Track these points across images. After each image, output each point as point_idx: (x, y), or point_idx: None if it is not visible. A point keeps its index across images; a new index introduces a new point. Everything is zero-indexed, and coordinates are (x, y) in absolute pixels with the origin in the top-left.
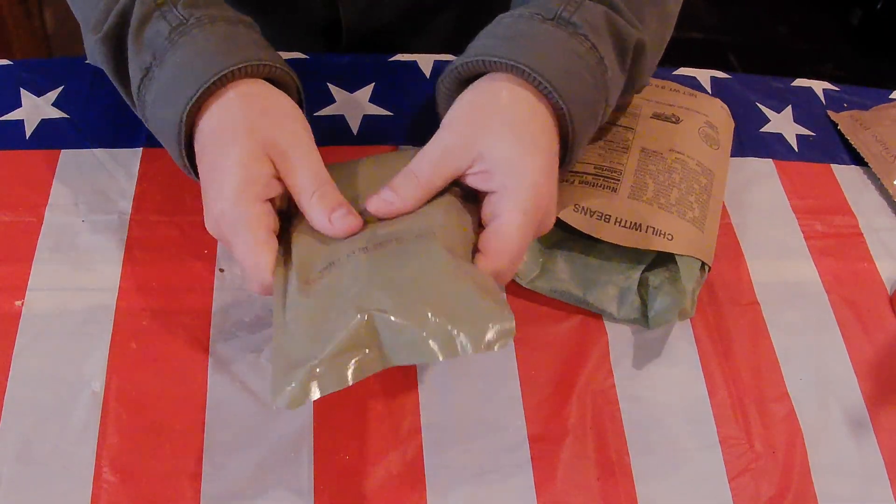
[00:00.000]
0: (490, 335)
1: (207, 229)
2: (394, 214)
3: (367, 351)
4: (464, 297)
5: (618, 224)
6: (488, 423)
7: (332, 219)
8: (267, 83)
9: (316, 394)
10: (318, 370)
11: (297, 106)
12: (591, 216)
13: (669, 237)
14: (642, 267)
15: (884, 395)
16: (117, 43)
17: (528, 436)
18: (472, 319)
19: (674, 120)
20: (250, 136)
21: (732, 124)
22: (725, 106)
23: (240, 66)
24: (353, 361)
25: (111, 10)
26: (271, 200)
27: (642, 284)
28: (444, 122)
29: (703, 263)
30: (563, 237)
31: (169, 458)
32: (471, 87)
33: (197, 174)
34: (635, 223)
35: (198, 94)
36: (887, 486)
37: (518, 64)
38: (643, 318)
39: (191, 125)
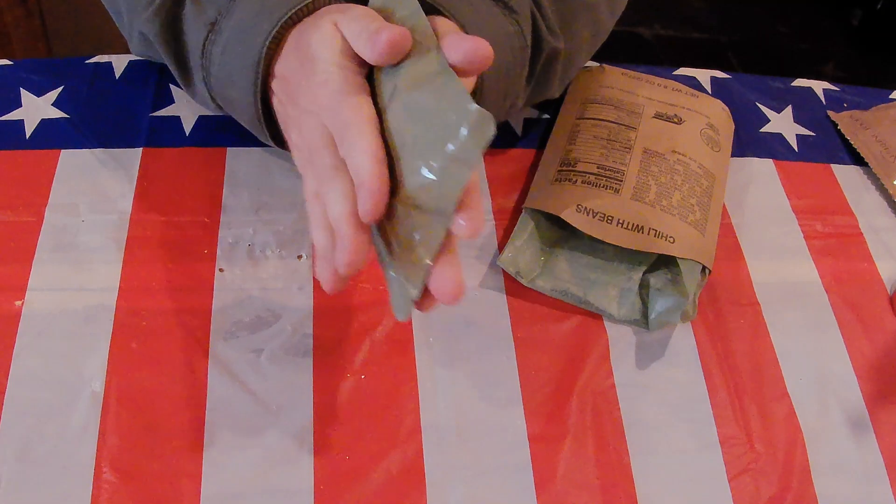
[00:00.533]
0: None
1: (299, 166)
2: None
3: None
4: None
5: (620, 226)
6: (488, 423)
7: (374, 39)
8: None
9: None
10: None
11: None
12: (593, 217)
13: (671, 240)
14: (643, 268)
15: (884, 395)
16: (172, 14)
17: (528, 436)
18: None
19: (676, 120)
20: (320, 31)
21: (732, 126)
22: (726, 107)
23: (294, 9)
24: None
25: None
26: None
27: (643, 286)
28: None
29: (704, 267)
30: (564, 236)
31: (169, 458)
32: None
33: (269, 127)
34: (637, 225)
35: (278, 26)
36: (887, 486)
37: (440, 7)
38: (643, 320)
39: (266, 73)
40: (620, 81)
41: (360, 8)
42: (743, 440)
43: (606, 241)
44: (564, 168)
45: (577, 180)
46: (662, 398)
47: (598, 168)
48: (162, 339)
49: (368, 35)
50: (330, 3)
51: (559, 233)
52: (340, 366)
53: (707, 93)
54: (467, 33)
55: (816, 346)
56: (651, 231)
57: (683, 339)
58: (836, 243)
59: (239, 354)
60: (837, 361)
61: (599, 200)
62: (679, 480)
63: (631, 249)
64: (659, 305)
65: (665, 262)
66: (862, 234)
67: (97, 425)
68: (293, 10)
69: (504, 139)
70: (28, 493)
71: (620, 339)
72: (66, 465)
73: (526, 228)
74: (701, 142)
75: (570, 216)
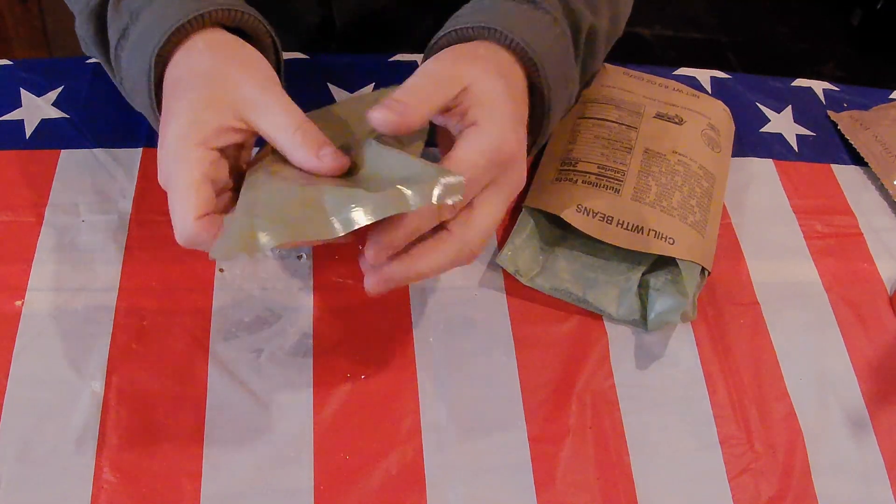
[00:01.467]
0: (437, 191)
1: (160, 183)
2: (395, 124)
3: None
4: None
5: (620, 226)
6: (488, 423)
7: (321, 155)
8: (236, 37)
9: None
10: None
11: (264, 59)
12: (593, 217)
13: (671, 241)
14: (643, 268)
15: (884, 395)
16: (100, 18)
17: (528, 436)
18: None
19: (677, 121)
20: (209, 83)
21: (733, 127)
22: (727, 108)
23: (207, 10)
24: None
25: None
26: (223, 153)
27: (642, 286)
28: (428, 61)
29: (703, 268)
30: (564, 236)
31: (169, 458)
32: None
33: None
34: (637, 226)
35: (163, 41)
36: (887, 486)
37: (490, 26)
38: (642, 320)
39: (160, 77)
40: (622, 81)
41: (275, 102)
42: (743, 440)
43: (606, 241)
44: (565, 167)
45: (577, 180)
46: (662, 398)
47: (598, 168)
48: (162, 339)
49: (307, 144)
50: (232, 13)
51: (559, 232)
52: (340, 366)
53: (707, 93)
54: (512, 39)
55: (816, 346)
56: (651, 232)
57: (683, 339)
58: (836, 243)
59: (239, 354)
60: (837, 361)
61: (600, 200)
62: (679, 480)
63: (631, 250)
64: (658, 306)
65: (665, 263)
66: (862, 234)
67: (97, 425)
68: (182, 22)
69: None
70: (28, 493)
71: (620, 339)
72: (66, 465)
73: (525, 227)
74: (702, 142)
75: (571, 216)
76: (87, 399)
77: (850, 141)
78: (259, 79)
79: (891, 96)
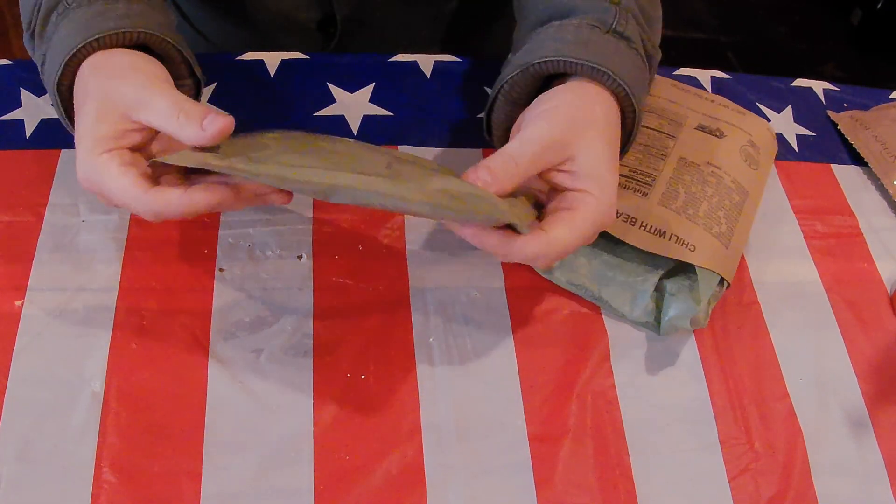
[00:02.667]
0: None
1: (86, 189)
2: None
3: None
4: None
5: (643, 228)
6: (488, 423)
7: (204, 125)
8: (127, 50)
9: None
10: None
11: (152, 61)
12: (617, 217)
13: (692, 248)
14: (661, 272)
15: (884, 395)
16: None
17: (528, 436)
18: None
19: (717, 134)
20: (95, 99)
21: (776, 148)
22: (772, 129)
23: (95, 37)
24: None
25: (34, 7)
26: (134, 150)
27: (658, 290)
28: (542, 113)
29: (723, 279)
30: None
31: (169, 458)
32: (564, 86)
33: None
34: (660, 230)
35: (59, 72)
36: (887, 486)
37: (602, 68)
38: (654, 323)
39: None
40: (669, 91)
41: (162, 99)
42: (743, 440)
43: (627, 241)
44: None
45: None
46: (662, 398)
47: (629, 171)
48: (162, 339)
49: (190, 122)
50: (115, 35)
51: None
52: (340, 366)
53: (706, 90)
54: (624, 85)
55: (816, 346)
56: (673, 237)
57: (683, 340)
58: (836, 243)
59: (239, 354)
60: (837, 361)
61: (625, 202)
62: (679, 480)
63: (651, 252)
64: (672, 310)
65: (684, 270)
66: (862, 234)
67: (97, 425)
68: (70, 55)
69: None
70: (28, 493)
71: (620, 340)
72: (66, 465)
73: None
74: (739, 158)
75: None
76: (87, 399)
77: (850, 141)
78: (140, 80)
79: (891, 96)
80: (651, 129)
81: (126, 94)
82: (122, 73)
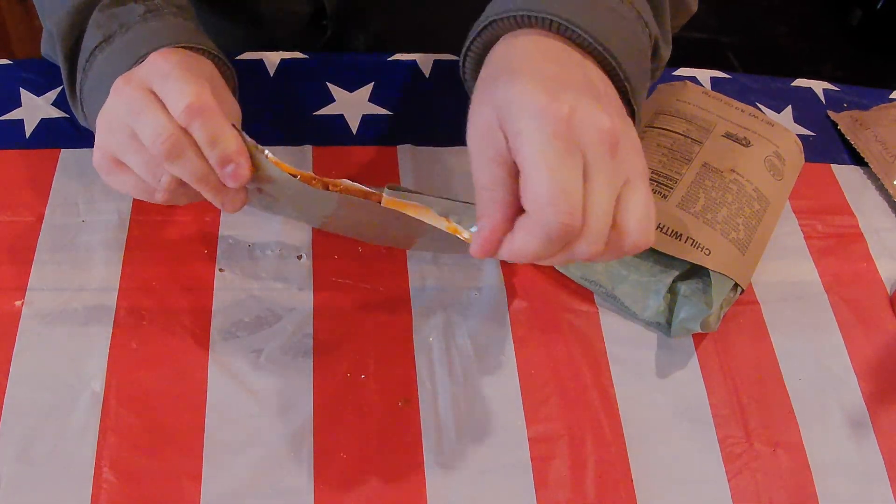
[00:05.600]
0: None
1: (97, 157)
2: (491, 243)
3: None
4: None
5: (659, 230)
6: (488, 423)
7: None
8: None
9: None
10: None
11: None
12: None
13: (707, 252)
14: (675, 273)
15: (884, 395)
16: (83, 17)
17: (528, 436)
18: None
19: (744, 143)
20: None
21: (802, 161)
22: (800, 142)
23: (184, 45)
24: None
25: None
26: None
27: (671, 291)
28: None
29: (737, 284)
30: None
31: (169, 458)
32: (490, 53)
33: None
34: (677, 232)
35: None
36: (887, 486)
37: (547, 15)
38: (665, 325)
39: None
40: (699, 98)
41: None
42: (743, 440)
43: None
44: None
45: None
46: (662, 398)
47: (652, 173)
48: (162, 339)
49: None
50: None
51: None
52: (340, 366)
53: (706, 88)
54: (605, 47)
55: (816, 346)
56: (689, 240)
57: (683, 339)
58: (836, 243)
59: (239, 354)
60: (837, 361)
61: None
62: (679, 480)
63: (666, 254)
64: (683, 312)
65: (699, 273)
66: (862, 234)
67: (97, 425)
68: (159, 48)
69: None
70: (28, 493)
71: (620, 340)
72: (66, 465)
73: None
74: (763, 167)
75: None
76: (87, 399)
77: (850, 141)
78: (220, 84)
79: (891, 96)
80: (678, 133)
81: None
82: (205, 72)
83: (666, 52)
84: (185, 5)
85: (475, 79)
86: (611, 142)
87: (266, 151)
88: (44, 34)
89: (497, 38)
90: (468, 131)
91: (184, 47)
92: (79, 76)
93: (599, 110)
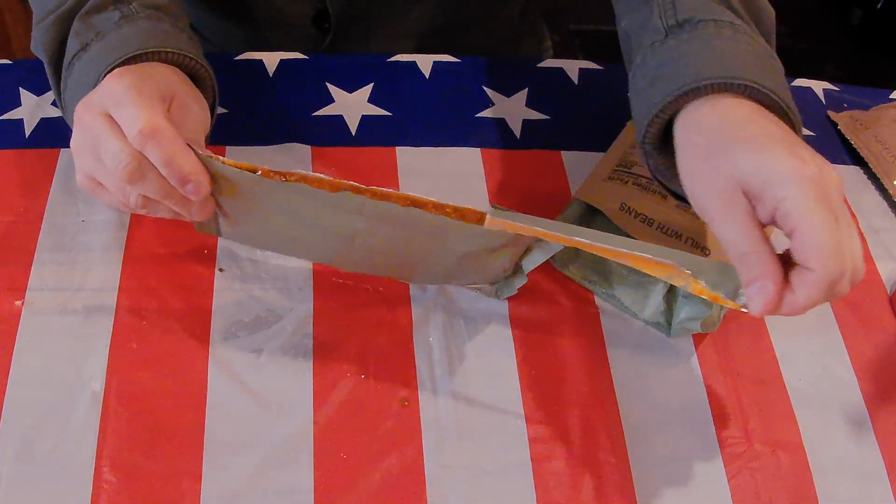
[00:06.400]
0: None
1: (79, 178)
2: (776, 301)
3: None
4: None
5: (659, 230)
6: (488, 423)
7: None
8: (174, 68)
9: None
10: None
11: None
12: (635, 217)
13: (706, 252)
14: None
15: (884, 395)
16: (66, 25)
17: (528, 436)
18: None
19: None
20: (143, 81)
21: None
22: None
23: (152, 50)
24: None
25: None
26: None
27: (671, 292)
28: (683, 178)
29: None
30: (604, 229)
31: (169, 458)
32: (689, 120)
33: None
34: (676, 232)
35: (119, 61)
36: (887, 486)
37: (745, 81)
38: (665, 325)
39: None
40: None
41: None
42: (743, 440)
43: (643, 241)
44: (620, 168)
45: (628, 181)
46: (662, 398)
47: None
48: (162, 339)
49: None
50: (170, 54)
51: (604, 227)
52: (340, 366)
53: None
54: (768, 92)
55: (816, 346)
56: (689, 240)
57: (683, 340)
58: None
59: (239, 354)
60: (837, 361)
61: (645, 203)
62: (679, 480)
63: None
64: (684, 313)
65: None
66: (862, 234)
67: (97, 425)
68: (133, 54)
69: (505, 140)
70: (28, 493)
71: (620, 340)
72: (66, 465)
73: (570, 216)
74: None
75: (613, 213)
76: (87, 399)
77: (850, 141)
78: (183, 91)
79: (891, 96)
80: None
81: (175, 91)
82: (169, 84)
83: None
84: (163, 5)
85: (656, 144)
86: (840, 190)
87: (221, 158)
88: (35, 31)
89: (676, 108)
90: (699, 198)
91: (152, 52)
92: (62, 84)
93: (828, 164)
